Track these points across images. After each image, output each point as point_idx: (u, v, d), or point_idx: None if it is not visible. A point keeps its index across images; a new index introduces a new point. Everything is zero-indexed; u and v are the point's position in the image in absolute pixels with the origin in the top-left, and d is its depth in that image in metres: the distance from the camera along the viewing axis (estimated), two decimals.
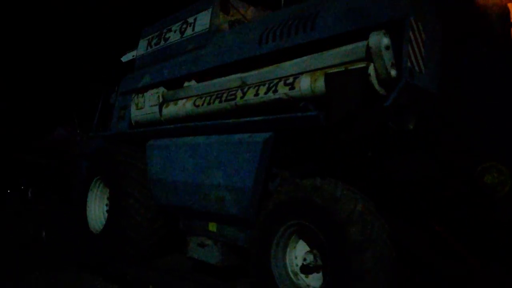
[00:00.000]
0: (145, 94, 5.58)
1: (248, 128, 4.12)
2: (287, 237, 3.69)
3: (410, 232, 3.51)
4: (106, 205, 6.03)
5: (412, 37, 3.22)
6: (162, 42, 5.85)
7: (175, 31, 5.67)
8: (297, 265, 3.72)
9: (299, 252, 3.73)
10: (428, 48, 3.38)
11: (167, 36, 5.80)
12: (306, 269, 3.64)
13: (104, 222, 5.96)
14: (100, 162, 5.88)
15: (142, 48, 6.26)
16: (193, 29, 5.36)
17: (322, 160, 3.87)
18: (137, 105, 5.67)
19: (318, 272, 3.59)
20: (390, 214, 3.47)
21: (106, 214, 5.99)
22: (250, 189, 4.03)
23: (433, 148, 3.48)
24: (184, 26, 5.52)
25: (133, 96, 5.81)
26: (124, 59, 7.54)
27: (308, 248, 3.68)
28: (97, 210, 6.03)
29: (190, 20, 5.45)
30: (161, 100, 5.30)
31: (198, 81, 5.04)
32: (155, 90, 5.41)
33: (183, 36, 5.48)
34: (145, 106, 5.51)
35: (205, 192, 4.52)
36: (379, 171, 3.62)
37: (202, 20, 5.24)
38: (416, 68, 3.23)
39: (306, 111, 3.59)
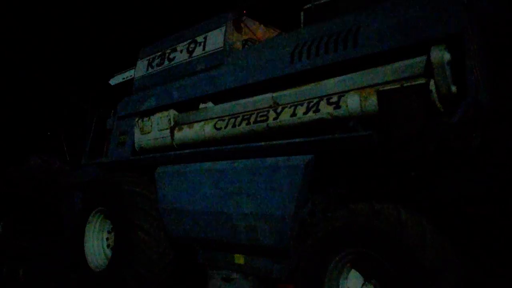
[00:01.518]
0: (151, 117, 5.20)
1: (284, 151, 3.85)
2: (341, 267, 3.40)
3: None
4: (107, 239, 5.50)
5: (472, 51, 3.11)
6: (166, 62, 5.51)
7: (181, 51, 5.36)
8: None
9: (351, 284, 3.45)
10: (481, 62, 3.28)
11: (171, 56, 5.48)
12: None
13: (104, 258, 5.43)
14: (100, 192, 5.38)
15: (141, 69, 5.89)
16: (203, 48, 5.07)
17: (366, 181, 3.65)
18: (142, 129, 5.27)
19: None
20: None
21: (106, 250, 5.46)
22: (290, 216, 3.74)
23: (490, 166, 3.35)
24: (193, 45, 5.23)
25: (136, 120, 5.40)
26: (113, 82, 7.11)
27: (362, 279, 3.41)
28: (95, 245, 5.47)
29: (199, 39, 5.17)
30: (172, 123, 4.94)
31: (215, 103, 4.73)
32: (164, 113, 5.04)
33: (192, 56, 5.18)
34: (153, 130, 5.12)
35: (232, 222, 4.17)
36: (431, 191, 3.44)
37: (214, 39, 4.97)
38: (479, 83, 3.11)
39: (356, 131, 3.38)
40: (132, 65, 7.05)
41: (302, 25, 4.71)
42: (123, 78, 6.94)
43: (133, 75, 6.73)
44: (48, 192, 7.87)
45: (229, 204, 4.18)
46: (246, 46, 5.06)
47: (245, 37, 5.13)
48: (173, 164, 4.86)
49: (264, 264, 4.09)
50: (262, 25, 5.44)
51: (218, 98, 4.69)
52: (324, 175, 3.83)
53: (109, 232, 5.49)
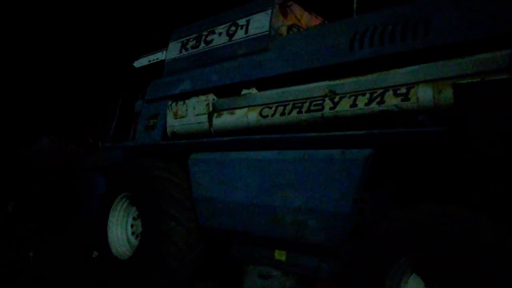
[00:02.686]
0: (186, 101, 4.93)
1: (340, 144, 3.61)
2: (403, 271, 3.18)
3: None
4: (131, 226, 5.25)
5: None
6: (203, 45, 5.25)
7: (220, 34, 5.10)
8: None
9: None
10: None
11: (209, 38, 5.21)
12: None
13: (128, 246, 5.19)
14: (128, 177, 5.12)
15: (173, 51, 5.62)
16: (245, 32, 4.82)
17: (428, 180, 3.43)
18: (175, 113, 5.00)
19: None
20: None
21: (131, 237, 5.22)
22: (344, 214, 3.51)
23: None
24: (233, 28, 4.97)
25: (169, 103, 5.13)
26: (137, 64, 6.84)
27: (423, 285, 3.19)
28: (119, 231, 5.23)
29: (241, 22, 4.91)
30: (210, 108, 4.68)
31: (259, 89, 4.49)
32: (202, 98, 4.78)
33: (233, 39, 4.92)
34: (188, 115, 4.86)
35: (276, 216, 3.94)
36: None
37: (258, 23, 4.71)
38: None
39: (426, 125, 3.15)
40: (156, 48, 6.81)
41: (354, 13, 4.48)
42: (149, 61, 6.67)
43: (159, 58, 6.49)
44: (61, 174, 7.61)
45: (274, 197, 3.94)
46: (291, 31, 4.81)
47: (290, 22, 4.87)
48: (209, 151, 4.61)
49: (309, 262, 3.86)
50: (306, 12, 5.19)
51: (262, 84, 4.44)
52: (380, 172, 3.61)
53: (134, 219, 5.25)
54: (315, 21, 5.26)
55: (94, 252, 6.49)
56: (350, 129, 3.60)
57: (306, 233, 3.75)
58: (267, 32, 4.59)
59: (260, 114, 4.19)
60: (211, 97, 4.72)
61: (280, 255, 4.07)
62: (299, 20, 5.01)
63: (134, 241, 5.17)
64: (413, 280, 3.22)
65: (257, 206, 4.09)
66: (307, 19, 5.15)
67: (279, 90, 4.15)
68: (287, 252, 4.02)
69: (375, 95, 3.47)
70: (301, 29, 4.93)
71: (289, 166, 3.87)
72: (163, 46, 6.72)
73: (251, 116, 4.26)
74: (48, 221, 7.27)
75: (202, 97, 4.77)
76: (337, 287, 4.00)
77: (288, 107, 3.99)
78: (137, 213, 5.20)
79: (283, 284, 3.99)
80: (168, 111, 5.12)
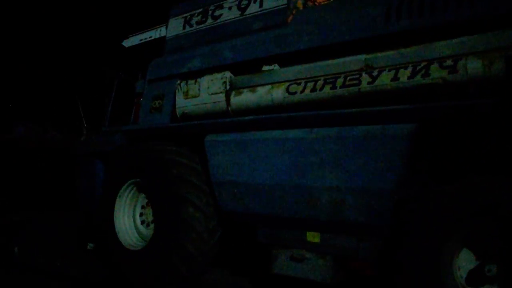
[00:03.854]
0: (198, 80, 4.64)
1: (378, 119, 3.49)
2: (455, 247, 3.13)
3: None
4: (141, 214, 4.95)
5: None
6: (210, 20, 4.95)
7: (229, 8, 4.82)
8: (461, 277, 3.18)
9: (462, 263, 3.20)
10: None
11: (217, 13, 4.92)
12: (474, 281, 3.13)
13: (137, 236, 4.90)
14: (136, 162, 4.79)
15: (176, 27, 5.28)
16: (260, 5, 4.57)
17: (476, 154, 3.37)
18: (186, 93, 4.70)
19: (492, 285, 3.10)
20: None
21: (140, 226, 4.92)
22: (387, 191, 3.41)
23: None
24: (245, 1, 4.70)
25: (178, 83, 4.82)
26: (127, 44, 6.41)
27: (474, 258, 3.16)
28: (127, 221, 4.91)
29: None
30: (228, 87, 4.42)
31: (280, 65, 4.28)
32: (216, 75, 4.50)
33: (245, 13, 4.66)
34: (201, 94, 4.58)
35: (310, 196, 3.79)
36: None
37: None
38: None
39: (477, 98, 3.08)
40: (145, 27, 6.43)
41: None
42: (141, 40, 6.27)
43: (152, 36, 6.12)
44: (43, 162, 7.10)
45: (307, 177, 3.79)
46: (307, 5, 4.61)
47: None
48: (227, 132, 4.37)
49: (346, 243, 3.76)
50: None
51: (285, 59, 4.23)
52: (421, 147, 3.52)
53: (143, 207, 4.94)
54: None
55: (90, 244, 6.13)
56: (390, 103, 3.48)
57: (344, 212, 3.63)
58: (285, 5, 4.37)
59: (287, 90, 3.99)
60: (228, 74, 4.46)
61: (313, 237, 3.94)
62: None
63: (145, 230, 4.89)
64: (464, 254, 3.19)
65: (286, 187, 3.92)
66: None
67: (309, 66, 3.95)
68: (321, 234, 3.90)
69: (418, 68, 3.36)
70: (317, 3, 4.73)
71: (323, 144, 3.71)
72: (153, 24, 6.36)
73: (276, 93, 4.06)
74: (33, 212, 6.77)
75: (218, 75, 4.50)
76: (372, 267, 3.96)
77: (320, 83, 3.81)
78: (146, 201, 4.90)
79: (318, 266, 3.87)
80: (177, 91, 4.81)
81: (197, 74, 4.73)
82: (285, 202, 3.95)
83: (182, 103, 4.73)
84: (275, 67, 4.25)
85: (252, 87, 4.26)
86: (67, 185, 6.81)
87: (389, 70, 3.49)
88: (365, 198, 3.52)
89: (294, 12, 4.41)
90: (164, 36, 5.68)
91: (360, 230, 3.65)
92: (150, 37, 6.17)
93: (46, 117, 7.81)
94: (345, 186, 3.60)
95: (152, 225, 4.81)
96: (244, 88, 4.33)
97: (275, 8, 4.44)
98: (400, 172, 3.39)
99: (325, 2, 4.65)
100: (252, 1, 4.64)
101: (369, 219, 3.53)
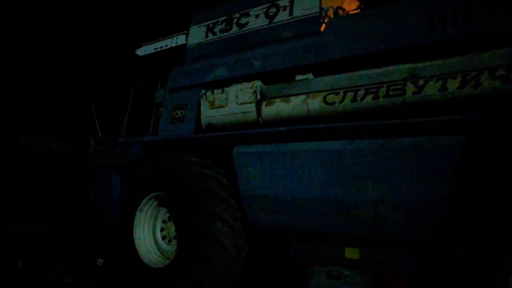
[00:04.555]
0: (226, 89, 4.48)
1: (425, 130, 3.36)
2: None
3: None
4: (161, 229, 4.72)
5: None
6: (236, 28, 4.81)
7: (256, 16, 4.69)
8: None
9: None
10: None
11: (242, 21, 4.78)
12: None
13: (158, 252, 4.66)
14: (158, 175, 4.57)
15: (198, 35, 5.13)
16: (290, 14, 4.45)
17: None
18: (212, 102, 4.53)
19: None
20: None
21: (161, 242, 4.69)
22: (434, 205, 3.27)
23: None
24: (273, 9, 4.58)
25: (203, 92, 4.65)
26: (141, 52, 6.23)
27: None
28: (147, 236, 4.68)
29: (283, 3, 4.53)
30: (258, 96, 4.27)
31: (314, 74, 4.14)
32: (247, 85, 4.34)
33: (273, 21, 4.54)
34: (229, 104, 4.41)
35: (350, 211, 3.63)
36: None
37: (306, 3, 4.36)
38: None
39: None
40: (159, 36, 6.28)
41: None
42: (155, 49, 6.09)
43: (168, 45, 5.96)
44: (47, 173, 6.84)
45: (347, 191, 3.62)
46: (338, 14, 4.51)
47: (336, 4, 4.57)
48: (257, 143, 4.20)
49: (387, 259, 3.59)
50: None
51: (319, 68, 4.10)
52: (472, 159, 3.39)
53: (163, 222, 4.72)
54: (354, 4, 4.99)
55: (99, 259, 5.85)
56: (435, 114, 3.35)
57: (388, 227, 3.47)
58: (317, 14, 4.26)
59: (325, 101, 3.85)
60: (258, 83, 4.30)
61: (352, 253, 3.76)
62: (342, 3, 4.71)
63: (166, 246, 4.66)
64: None
65: (324, 201, 3.76)
66: (348, 3, 4.86)
67: (347, 75, 3.82)
68: (360, 250, 3.73)
69: (468, 77, 3.25)
70: (346, 11, 4.63)
71: (365, 156, 3.56)
72: (165, 34, 6.21)
73: (312, 104, 3.91)
74: (38, 225, 6.47)
75: (247, 84, 4.34)
76: (414, 284, 3.79)
77: (360, 93, 3.68)
78: (168, 215, 4.68)
79: (358, 283, 3.69)
80: (202, 100, 4.63)
81: (223, 83, 4.57)
82: (321, 216, 3.78)
83: (208, 113, 4.56)
84: (310, 76, 4.11)
85: (285, 97, 4.11)
86: (74, 197, 6.54)
87: (437, 80, 3.38)
88: (411, 213, 3.37)
89: (326, 20, 4.30)
90: (181, 45, 5.54)
91: (403, 245, 3.49)
92: (166, 46, 6.00)
93: (51, 127, 7.53)
94: (389, 200, 3.44)
95: (174, 241, 4.59)
96: (276, 97, 4.18)
97: (307, 17, 4.32)
98: (447, 185, 3.25)
99: (357, 12, 4.55)
100: (281, 9, 4.52)
101: (414, 234, 3.38)
